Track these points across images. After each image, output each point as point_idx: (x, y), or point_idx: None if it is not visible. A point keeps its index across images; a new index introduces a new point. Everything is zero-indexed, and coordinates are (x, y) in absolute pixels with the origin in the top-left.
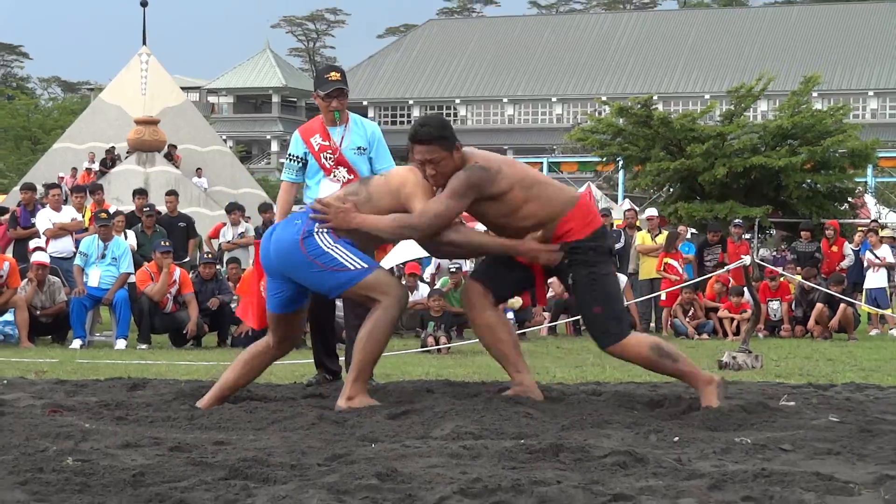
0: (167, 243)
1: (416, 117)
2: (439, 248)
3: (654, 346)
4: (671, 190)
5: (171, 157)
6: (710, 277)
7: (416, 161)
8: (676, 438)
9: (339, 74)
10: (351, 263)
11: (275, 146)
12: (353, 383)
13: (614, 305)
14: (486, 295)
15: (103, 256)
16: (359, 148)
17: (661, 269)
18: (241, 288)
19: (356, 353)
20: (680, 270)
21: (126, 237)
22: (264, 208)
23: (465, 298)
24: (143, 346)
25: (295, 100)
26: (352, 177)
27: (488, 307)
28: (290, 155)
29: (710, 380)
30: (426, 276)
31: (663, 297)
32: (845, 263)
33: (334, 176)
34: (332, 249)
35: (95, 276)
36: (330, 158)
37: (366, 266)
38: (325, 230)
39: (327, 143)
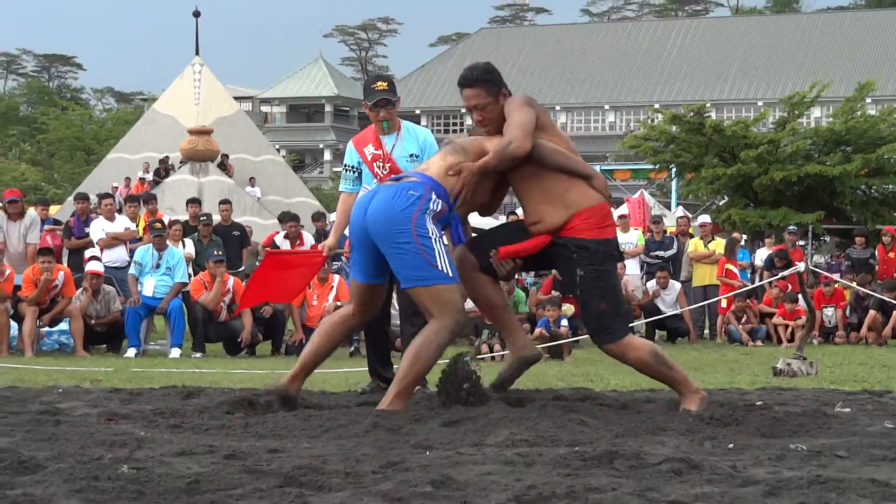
0: (220, 252)
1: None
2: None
3: (652, 352)
4: (725, 197)
5: (224, 166)
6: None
7: (467, 108)
8: (731, 445)
9: (385, 84)
10: (442, 263)
11: (327, 155)
12: (395, 398)
13: (619, 304)
14: (477, 266)
15: (157, 266)
16: (411, 155)
17: (723, 274)
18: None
19: (403, 366)
20: (738, 275)
21: (184, 246)
22: (317, 217)
23: (461, 270)
24: (198, 355)
25: (347, 109)
26: None
27: (482, 276)
28: (345, 165)
29: (698, 390)
30: None
31: (724, 303)
32: None
33: None
34: (435, 240)
35: (150, 286)
36: (383, 167)
37: (450, 275)
38: (439, 215)
39: (380, 153)
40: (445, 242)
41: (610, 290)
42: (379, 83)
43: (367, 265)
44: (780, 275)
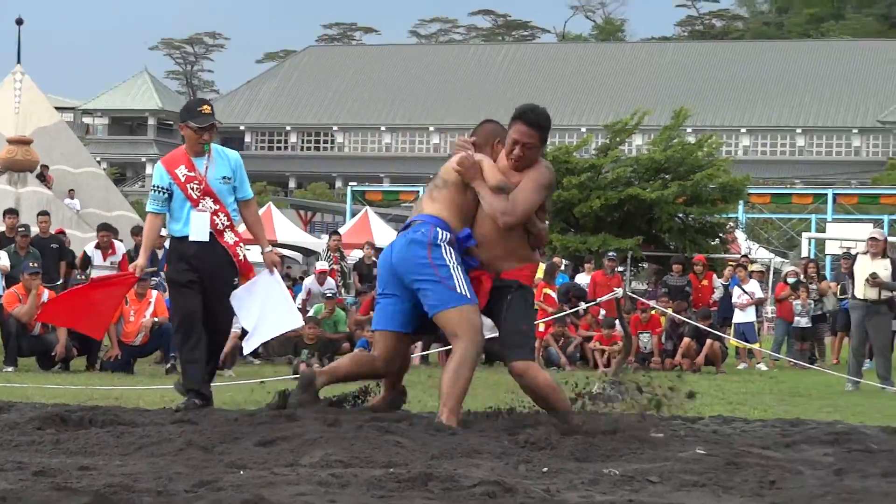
0: (35, 264)
1: (293, 143)
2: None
3: (552, 379)
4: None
5: (43, 177)
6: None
7: (513, 140)
8: (545, 469)
9: (210, 108)
10: (460, 286)
11: (149, 169)
12: (450, 414)
13: (534, 331)
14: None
15: None
16: (224, 177)
17: (541, 299)
18: (66, 303)
19: (444, 387)
20: (556, 301)
21: None
22: (136, 231)
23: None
24: (9, 369)
25: (171, 123)
26: (218, 207)
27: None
28: (155, 186)
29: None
30: (297, 303)
31: (541, 327)
32: (715, 296)
33: (201, 206)
34: (453, 267)
35: None
36: (196, 189)
37: (468, 296)
38: (450, 246)
39: (193, 174)
40: (464, 269)
41: (531, 318)
42: (205, 106)
43: (396, 313)
44: (599, 300)
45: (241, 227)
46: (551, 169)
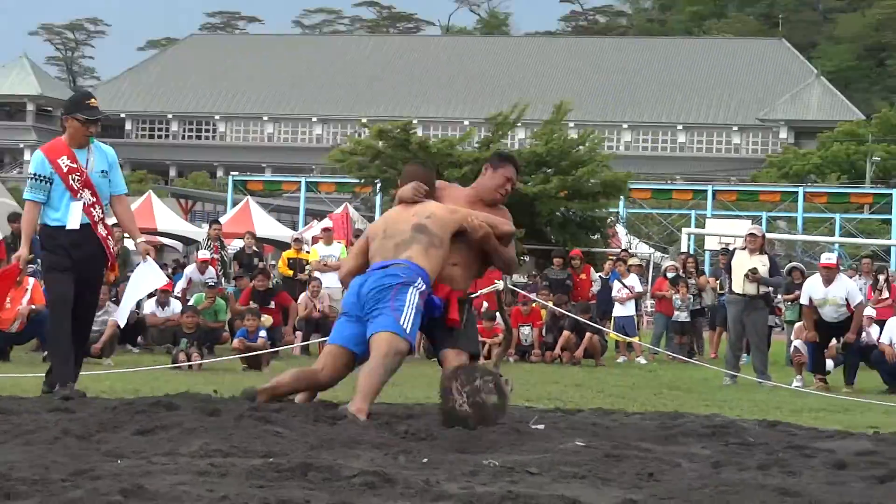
0: None
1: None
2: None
3: None
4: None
5: None
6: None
7: (506, 179)
8: (425, 460)
9: (97, 101)
10: (405, 322)
11: (27, 155)
12: (361, 405)
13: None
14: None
15: None
16: (102, 171)
17: None
18: None
19: (361, 381)
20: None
21: None
22: (13, 218)
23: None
24: None
25: (51, 109)
26: (95, 199)
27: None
28: (37, 175)
29: None
30: (177, 291)
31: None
32: (594, 290)
33: (80, 198)
34: (409, 306)
35: None
36: (78, 181)
37: (408, 335)
38: (420, 291)
39: (75, 166)
40: (419, 315)
41: (473, 318)
42: (93, 100)
43: (353, 335)
44: (479, 292)
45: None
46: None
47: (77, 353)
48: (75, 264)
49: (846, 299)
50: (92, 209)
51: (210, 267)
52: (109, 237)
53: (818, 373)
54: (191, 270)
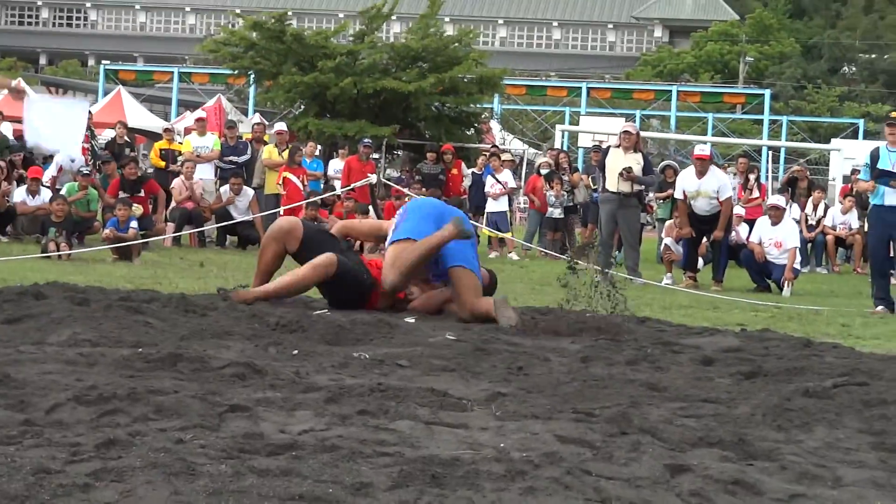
0: None
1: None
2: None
3: None
4: (302, 106)
5: None
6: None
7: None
8: (295, 352)
9: None
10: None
11: None
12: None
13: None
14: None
15: None
16: None
17: (279, 182)
18: None
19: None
20: (300, 186)
21: None
22: None
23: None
24: None
25: None
26: None
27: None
28: None
29: None
30: (46, 179)
31: (282, 212)
32: (465, 185)
33: None
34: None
35: None
36: None
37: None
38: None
39: None
40: None
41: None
42: None
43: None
44: (353, 185)
45: None
46: None
47: None
48: None
49: (717, 192)
50: None
51: (80, 155)
52: None
53: (690, 270)
54: (62, 158)
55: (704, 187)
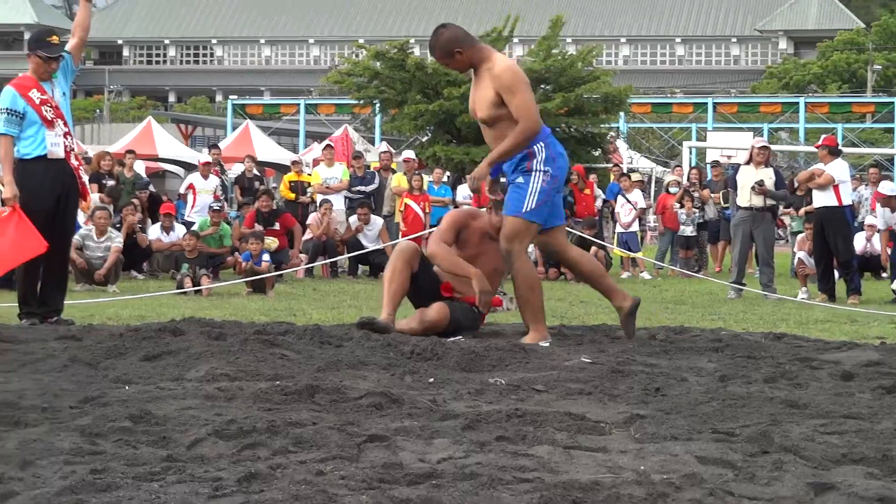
0: None
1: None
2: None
3: None
4: (429, 133)
5: None
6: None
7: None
8: (431, 380)
9: (58, 37)
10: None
11: None
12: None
13: None
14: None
15: None
16: (63, 93)
17: (401, 209)
18: None
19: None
20: (421, 214)
21: None
22: None
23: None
24: None
25: None
26: (67, 129)
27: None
28: (9, 109)
29: None
30: (188, 208)
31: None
32: (598, 205)
33: (55, 128)
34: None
35: None
36: (50, 111)
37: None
38: None
39: (46, 97)
40: None
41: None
42: (53, 37)
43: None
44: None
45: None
46: None
47: (60, 280)
48: (53, 196)
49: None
50: (65, 139)
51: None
52: (80, 167)
53: (823, 290)
54: (194, 176)
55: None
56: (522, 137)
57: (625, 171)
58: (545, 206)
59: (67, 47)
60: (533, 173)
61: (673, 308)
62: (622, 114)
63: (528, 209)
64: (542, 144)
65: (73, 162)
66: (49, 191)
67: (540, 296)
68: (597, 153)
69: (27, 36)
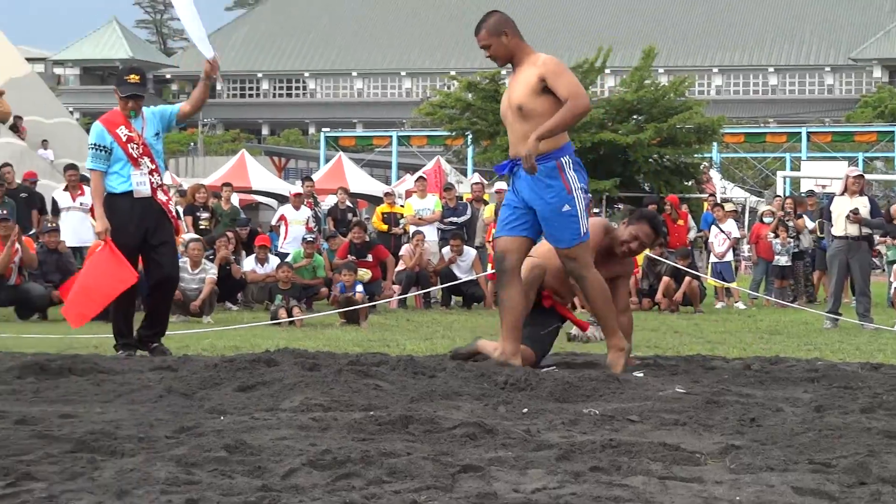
0: (5, 212)
1: (265, 90)
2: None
3: None
4: None
5: (16, 128)
6: None
7: (633, 236)
8: (525, 410)
9: (138, 77)
10: None
11: None
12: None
13: None
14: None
15: None
16: (156, 133)
17: (490, 240)
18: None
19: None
20: None
21: None
22: None
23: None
24: None
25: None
26: (154, 166)
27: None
28: (97, 145)
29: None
30: (281, 240)
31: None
32: (691, 235)
33: (140, 166)
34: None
35: None
36: (136, 149)
37: None
38: None
39: (133, 135)
40: None
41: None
42: (132, 76)
43: None
44: None
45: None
46: None
47: (164, 311)
48: (139, 231)
49: None
50: (151, 176)
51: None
52: (170, 202)
53: None
54: (285, 208)
55: None
56: (571, 114)
57: (718, 201)
58: (587, 217)
59: (178, 110)
60: (574, 195)
61: (768, 338)
62: (715, 144)
63: (585, 231)
64: (569, 158)
65: (162, 197)
66: (136, 227)
67: (613, 312)
68: (689, 183)
69: None
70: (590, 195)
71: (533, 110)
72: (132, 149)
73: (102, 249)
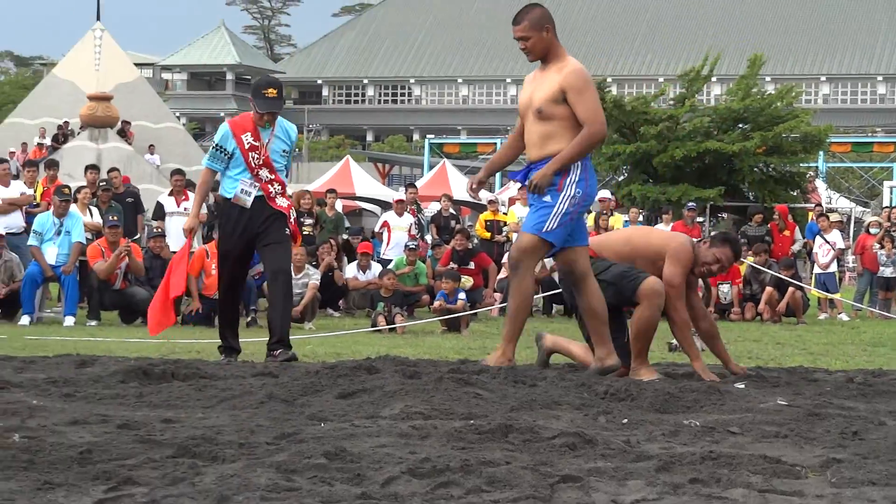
0: (115, 218)
1: (371, 96)
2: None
3: None
4: (625, 173)
5: (124, 133)
6: None
7: (716, 258)
8: (625, 420)
9: (276, 91)
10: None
11: None
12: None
13: None
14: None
15: (58, 233)
16: (283, 151)
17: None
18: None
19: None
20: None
21: (91, 215)
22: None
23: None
24: (93, 323)
25: (249, 77)
26: (273, 177)
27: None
28: (218, 146)
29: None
30: (383, 246)
31: None
32: (795, 248)
33: (258, 175)
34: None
35: (52, 254)
36: (257, 159)
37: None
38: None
39: (257, 144)
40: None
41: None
42: (270, 90)
43: None
44: None
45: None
46: None
47: (286, 311)
48: (243, 241)
49: None
50: (269, 186)
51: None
52: (291, 209)
53: None
54: (388, 215)
55: None
56: (588, 142)
57: (823, 211)
58: (565, 227)
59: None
60: (562, 193)
61: (871, 350)
62: (821, 153)
63: (549, 229)
64: (580, 164)
65: (281, 203)
66: (239, 236)
67: (525, 316)
68: (795, 193)
69: (229, 76)
70: (584, 204)
71: (552, 115)
72: (252, 158)
73: (184, 249)
